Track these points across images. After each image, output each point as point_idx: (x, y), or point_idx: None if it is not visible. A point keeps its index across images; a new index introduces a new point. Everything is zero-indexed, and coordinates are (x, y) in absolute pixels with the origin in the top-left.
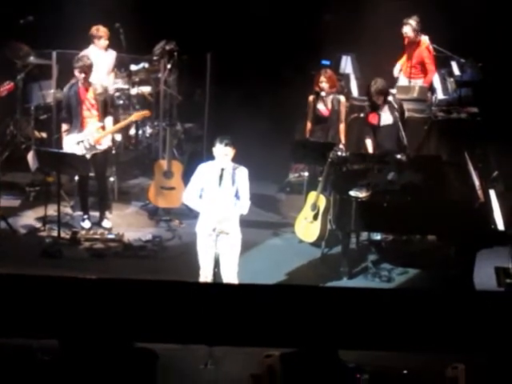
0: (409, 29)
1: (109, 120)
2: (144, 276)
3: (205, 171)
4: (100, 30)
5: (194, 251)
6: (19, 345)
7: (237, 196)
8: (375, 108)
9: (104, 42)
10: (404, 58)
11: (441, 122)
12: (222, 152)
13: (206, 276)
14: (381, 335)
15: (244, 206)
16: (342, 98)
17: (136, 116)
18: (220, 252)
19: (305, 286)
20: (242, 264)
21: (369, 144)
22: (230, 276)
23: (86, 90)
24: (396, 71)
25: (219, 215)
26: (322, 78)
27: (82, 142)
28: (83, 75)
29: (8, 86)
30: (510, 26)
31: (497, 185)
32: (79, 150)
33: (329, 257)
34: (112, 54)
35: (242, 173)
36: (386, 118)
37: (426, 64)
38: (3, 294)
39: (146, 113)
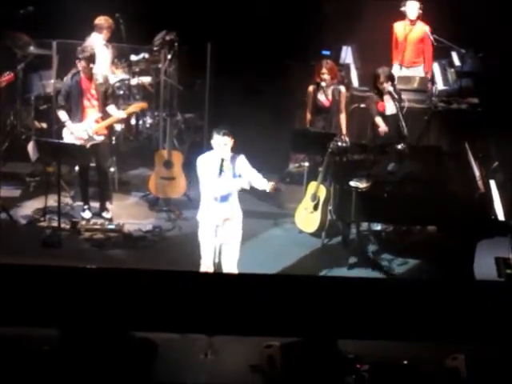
0: (414, 6)
1: (112, 108)
2: (144, 266)
3: (205, 162)
4: (108, 22)
5: (193, 241)
6: (19, 334)
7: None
8: (381, 96)
9: (107, 33)
10: (395, 48)
11: (441, 113)
12: (221, 142)
13: (207, 266)
14: (381, 325)
15: (261, 179)
16: (343, 89)
17: (134, 107)
18: (221, 241)
19: (305, 276)
20: (242, 254)
21: (380, 122)
22: (230, 266)
23: (88, 80)
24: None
25: (219, 205)
26: (324, 70)
27: (82, 131)
28: (91, 66)
29: (8, 76)
30: (511, 16)
31: (497, 175)
32: (78, 140)
33: (329, 247)
34: (113, 46)
35: (242, 160)
36: (390, 107)
37: (425, 48)
38: (3, 283)
39: (143, 105)
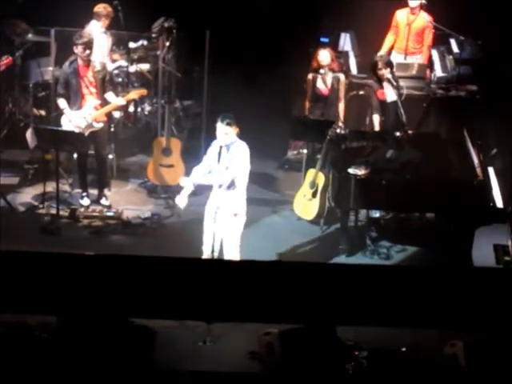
0: None
1: (111, 95)
2: (142, 253)
3: (211, 148)
4: (107, 9)
5: (192, 228)
6: (18, 322)
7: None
8: (380, 83)
9: (106, 20)
10: (393, 35)
11: (440, 100)
12: (222, 130)
13: (206, 253)
14: (379, 312)
15: (226, 173)
16: (342, 77)
17: (134, 94)
18: (222, 229)
19: (303, 263)
20: (241, 241)
21: (376, 120)
22: (231, 254)
23: (86, 67)
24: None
25: (217, 192)
26: (322, 51)
27: (80, 119)
28: (87, 51)
29: (6, 60)
30: (510, 3)
31: (496, 162)
32: (77, 127)
33: (327, 234)
34: (111, 33)
35: (237, 147)
36: (391, 94)
37: (426, 38)
38: (2, 270)
39: (143, 91)
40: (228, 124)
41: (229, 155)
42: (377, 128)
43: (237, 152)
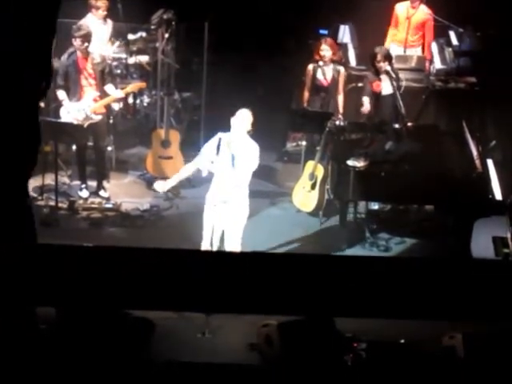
0: None
1: (110, 87)
2: (141, 245)
3: (207, 146)
4: (99, 0)
5: (191, 221)
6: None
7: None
8: (378, 75)
9: (102, 13)
10: (394, 28)
11: (439, 92)
12: (241, 115)
13: (206, 246)
14: (378, 304)
15: (236, 174)
16: (342, 69)
17: (132, 87)
18: (224, 222)
19: (302, 255)
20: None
21: (366, 101)
22: (232, 247)
23: (85, 59)
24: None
25: (218, 185)
26: (324, 46)
27: (79, 110)
28: (86, 44)
29: None
30: None
31: (495, 154)
32: (75, 119)
33: (326, 226)
34: (110, 24)
35: (247, 145)
36: (387, 87)
37: (426, 32)
38: (0, 262)
39: (142, 85)
40: (241, 113)
41: (231, 150)
42: (366, 107)
43: (247, 151)
